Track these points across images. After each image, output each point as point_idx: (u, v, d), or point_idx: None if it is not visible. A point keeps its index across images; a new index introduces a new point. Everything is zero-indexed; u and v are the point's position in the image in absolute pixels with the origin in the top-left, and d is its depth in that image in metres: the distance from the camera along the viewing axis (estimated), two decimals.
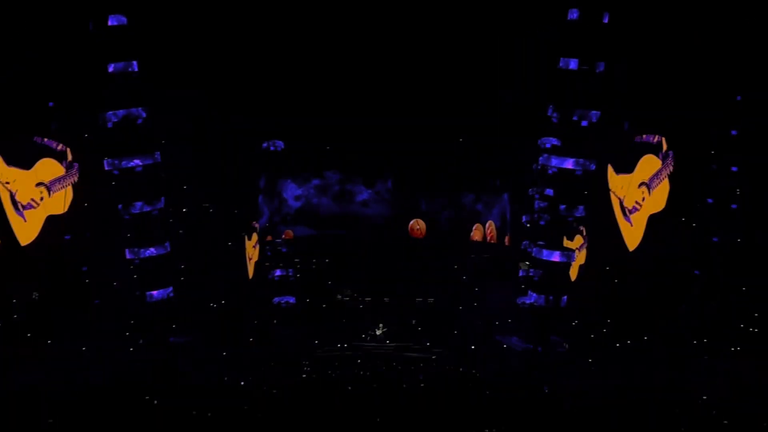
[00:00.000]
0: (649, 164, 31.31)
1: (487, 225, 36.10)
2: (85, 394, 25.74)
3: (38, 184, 29.82)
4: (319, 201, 35.34)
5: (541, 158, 31.34)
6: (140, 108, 30.72)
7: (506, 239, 36.17)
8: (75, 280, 31.54)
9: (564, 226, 31.55)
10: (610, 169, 30.97)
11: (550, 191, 31.39)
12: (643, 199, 30.99)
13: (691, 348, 31.10)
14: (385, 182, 35.70)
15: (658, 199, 31.46)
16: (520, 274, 32.70)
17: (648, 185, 31.15)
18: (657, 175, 31.34)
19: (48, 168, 30.26)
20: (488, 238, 35.99)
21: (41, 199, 29.77)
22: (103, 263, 31.78)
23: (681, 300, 32.15)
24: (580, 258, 32.29)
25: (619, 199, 31.10)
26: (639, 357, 30.51)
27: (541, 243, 31.72)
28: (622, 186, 31.00)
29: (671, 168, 31.30)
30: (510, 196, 35.66)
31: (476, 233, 35.83)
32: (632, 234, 31.15)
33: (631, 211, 31.00)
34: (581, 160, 30.96)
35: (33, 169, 29.73)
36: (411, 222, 35.77)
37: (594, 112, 30.58)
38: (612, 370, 29.26)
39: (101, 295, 31.80)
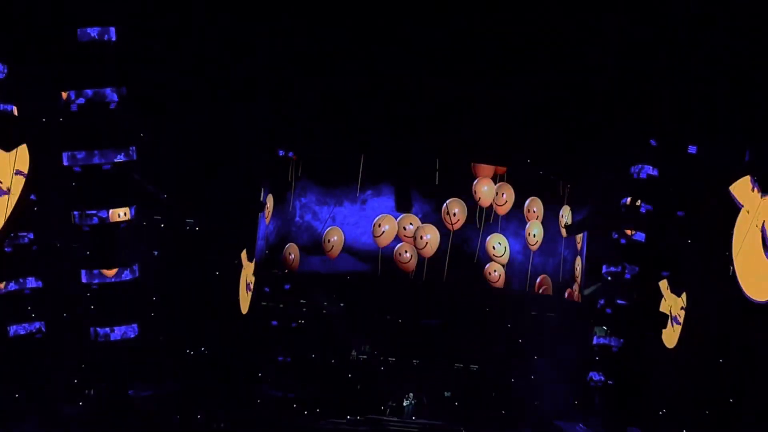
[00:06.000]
0: None
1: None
2: None
3: None
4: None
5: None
6: (116, 88, 23.78)
7: (574, 292, 29.42)
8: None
9: (656, 282, 24.88)
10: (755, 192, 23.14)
11: (640, 236, 24.70)
12: None
13: None
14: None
15: None
16: (594, 341, 26.39)
17: None
18: None
19: None
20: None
21: None
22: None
23: None
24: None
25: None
26: None
27: (623, 302, 25.00)
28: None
29: None
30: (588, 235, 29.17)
31: None
32: None
33: None
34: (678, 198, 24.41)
35: None
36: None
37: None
38: None
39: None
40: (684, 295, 25.79)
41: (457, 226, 27.95)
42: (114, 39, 23.66)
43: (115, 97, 23.80)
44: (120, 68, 23.86)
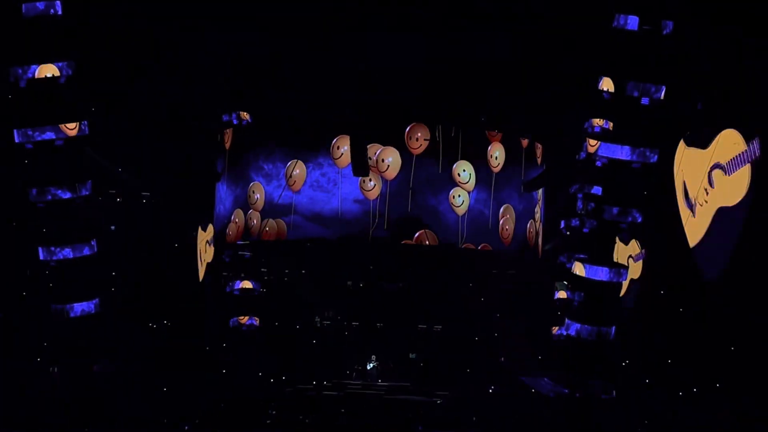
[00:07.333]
0: (729, 142, 23.91)
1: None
2: None
3: None
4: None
5: (585, 144, 24.51)
6: (64, 63, 23.72)
7: (536, 224, 29.77)
8: None
9: (614, 234, 24.81)
10: (681, 144, 24.63)
11: (597, 189, 24.50)
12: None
13: None
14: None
15: (733, 191, 23.78)
16: (555, 296, 26.57)
17: (724, 169, 23.80)
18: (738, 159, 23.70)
19: None
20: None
21: None
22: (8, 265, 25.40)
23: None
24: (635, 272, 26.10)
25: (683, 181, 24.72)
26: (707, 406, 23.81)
27: (583, 256, 24.73)
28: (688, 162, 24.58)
29: (758, 153, 23.16)
30: (546, 193, 29.25)
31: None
32: (694, 226, 24.44)
33: (695, 200, 24.40)
34: (640, 150, 23.93)
35: None
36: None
37: (657, 86, 23.54)
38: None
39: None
40: (635, 242, 26.15)
41: (419, 151, 28.37)
42: (60, 13, 23.66)
43: (68, 71, 23.76)
44: (68, 42, 23.77)
